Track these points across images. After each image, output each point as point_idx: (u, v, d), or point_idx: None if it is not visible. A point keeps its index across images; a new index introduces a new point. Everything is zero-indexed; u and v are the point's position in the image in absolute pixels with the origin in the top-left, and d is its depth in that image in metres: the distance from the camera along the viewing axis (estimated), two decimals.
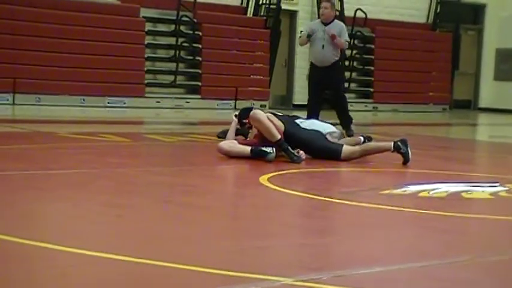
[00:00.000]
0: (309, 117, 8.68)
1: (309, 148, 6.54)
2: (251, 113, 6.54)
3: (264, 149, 6.31)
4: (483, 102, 19.03)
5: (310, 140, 6.57)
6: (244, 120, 6.94)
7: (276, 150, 6.33)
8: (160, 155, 7.38)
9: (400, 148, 6.49)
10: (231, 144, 6.57)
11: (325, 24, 8.96)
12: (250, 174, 6.14)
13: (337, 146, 6.64)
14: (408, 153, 6.49)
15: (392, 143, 6.56)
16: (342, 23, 9.22)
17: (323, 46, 8.90)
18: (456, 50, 17.97)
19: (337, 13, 15.86)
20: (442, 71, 17.80)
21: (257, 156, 6.32)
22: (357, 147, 6.70)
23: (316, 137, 6.66)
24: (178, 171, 5.98)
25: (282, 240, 3.65)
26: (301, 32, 9.79)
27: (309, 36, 8.97)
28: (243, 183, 5.81)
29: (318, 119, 8.51)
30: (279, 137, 6.35)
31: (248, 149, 6.38)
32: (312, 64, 9.15)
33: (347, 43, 9.20)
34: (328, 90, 9.41)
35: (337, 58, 9.11)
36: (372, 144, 6.93)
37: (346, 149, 6.60)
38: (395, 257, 3.35)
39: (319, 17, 9.35)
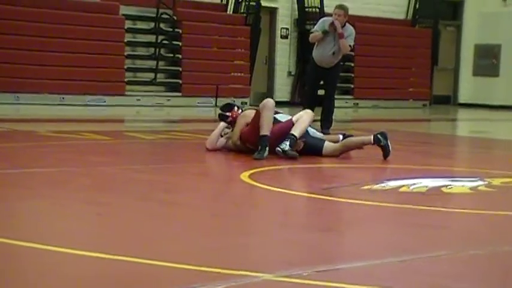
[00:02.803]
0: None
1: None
2: (266, 100, 6.52)
3: (267, 148, 6.26)
4: (462, 98, 19.17)
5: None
6: (227, 113, 6.85)
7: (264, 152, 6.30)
8: (140, 152, 7.35)
9: (380, 141, 6.55)
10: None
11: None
12: (231, 171, 6.13)
13: (318, 142, 6.66)
14: (388, 146, 6.54)
15: (372, 136, 6.60)
16: (352, 29, 9.00)
17: (333, 53, 8.82)
18: (435, 46, 18.08)
19: (317, 10, 15.95)
20: (421, 66, 17.89)
21: (260, 142, 6.25)
22: (337, 144, 6.72)
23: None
24: (158, 168, 5.96)
25: (263, 236, 3.65)
26: (311, 30, 9.30)
27: (325, 32, 8.79)
28: (224, 180, 5.81)
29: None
30: (268, 133, 6.34)
31: (266, 132, 6.31)
32: (314, 63, 9.00)
33: (350, 48, 9.03)
34: (323, 88, 9.34)
35: (340, 58, 9.07)
36: (352, 139, 6.96)
37: (328, 145, 6.63)
38: (377, 252, 3.36)
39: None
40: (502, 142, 10.11)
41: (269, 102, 6.49)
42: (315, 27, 9.11)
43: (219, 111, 7.01)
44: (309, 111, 6.72)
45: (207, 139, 6.87)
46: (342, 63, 9.38)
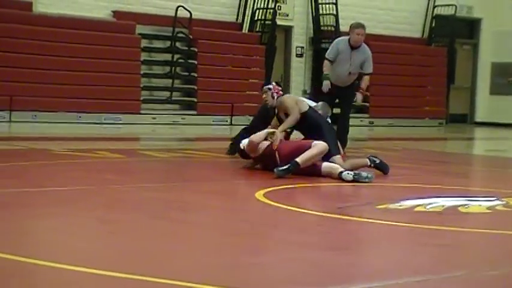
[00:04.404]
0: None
1: (318, 135, 6.73)
2: (324, 145, 6.53)
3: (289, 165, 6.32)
4: (479, 116, 19.05)
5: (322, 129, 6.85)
6: (270, 86, 7.15)
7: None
8: (154, 171, 7.35)
9: (375, 161, 6.83)
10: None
11: (353, 48, 8.53)
12: (245, 190, 6.11)
13: (335, 150, 6.74)
14: (383, 162, 6.83)
15: (367, 159, 6.87)
16: (369, 50, 8.71)
17: (350, 73, 8.57)
18: (452, 65, 18.02)
19: (333, 28, 15.97)
20: (437, 85, 17.83)
21: (291, 165, 6.28)
22: (345, 163, 6.70)
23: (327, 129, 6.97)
24: (172, 187, 5.95)
25: (277, 255, 3.62)
26: (326, 54, 8.77)
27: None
28: (239, 198, 5.78)
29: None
30: (302, 165, 6.35)
31: (301, 162, 6.37)
32: (330, 82, 8.60)
33: (368, 78, 8.74)
34: (338, 106, 9.14)
35: (356, 77, 8.81)
36: (353, 160, 7.00)
37: (337, 158, 6.68)
38: (392, 272, 3.32)
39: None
40: None
41: (324, 147, 6.50)
42: (329, 50, 8.74)
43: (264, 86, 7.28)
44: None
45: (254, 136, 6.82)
46: (357, 81, 9.26)
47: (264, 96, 7.20)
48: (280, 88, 7.24)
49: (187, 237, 3.95)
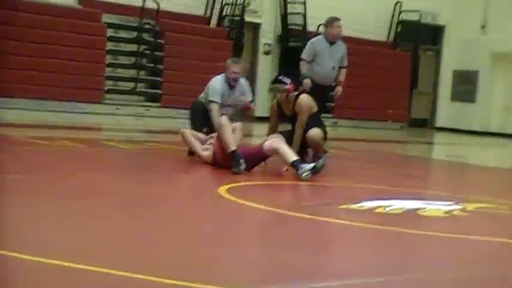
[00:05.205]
0: None
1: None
2: (220, 118, 6.68)
3: (241, 161, 6.31)
4: (439, 122, 19.35)
5: None
6: (287, 81, 7.03)
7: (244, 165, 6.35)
8: (117, 162, 7.29)
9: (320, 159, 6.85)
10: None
11: (332, 43, 8.60)
12: (208, 185, 6.10)
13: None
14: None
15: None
16: (345, 45, 8.83)
17: (333, 68, 8.59)
18: (415, 70, 18.25)
19: (301, 28, 16.03)
20: (401, 89, 18.03)
21: (233, 158, 6.32)
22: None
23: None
24: (135, 178, 5.91)
25: (238, 251, 3.63)
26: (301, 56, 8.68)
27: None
28: (201, 193, 5.77)
29: None
30: (233, 148, 6.40)
31: (233, 147, 6.40)
32: (313, 82, 8.45)
33: (345, 71, 8.87)
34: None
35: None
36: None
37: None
38: (351, 272, 3.35)
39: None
40: (477, 167, 10.19)
41: (222, 119, 6.66)
42: (304, 51, 8.67)
43: (276, 84, 7.15)
44: (221, 119, 6.76)
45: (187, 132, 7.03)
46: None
47: (278, 95, 7.03)
48: (293, 85, 7.04)
49: (148, 230, 3.92)
